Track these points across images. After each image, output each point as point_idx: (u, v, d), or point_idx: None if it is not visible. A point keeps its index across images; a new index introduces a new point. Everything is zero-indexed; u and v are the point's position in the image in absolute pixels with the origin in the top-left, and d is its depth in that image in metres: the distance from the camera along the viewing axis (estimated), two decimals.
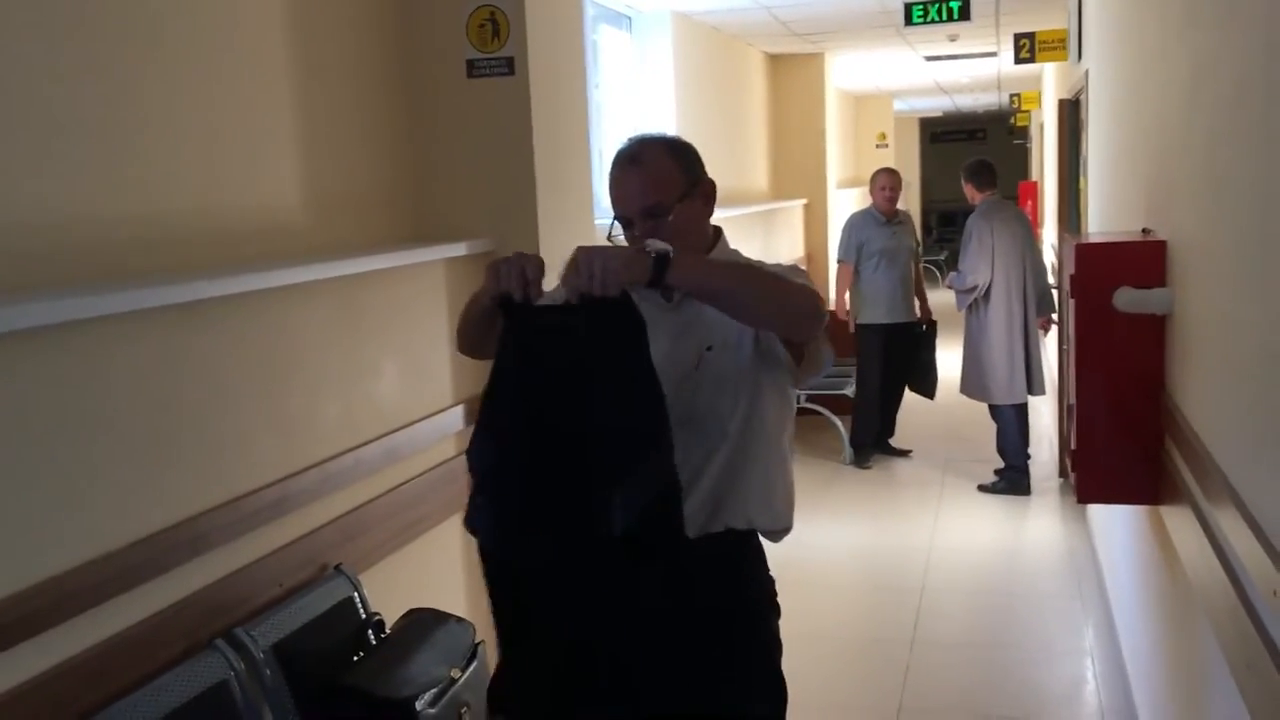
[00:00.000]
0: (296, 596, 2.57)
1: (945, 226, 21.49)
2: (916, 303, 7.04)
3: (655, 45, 7.00)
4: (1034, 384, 6.28)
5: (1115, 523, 4.03)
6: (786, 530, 2.19)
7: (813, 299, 1.98)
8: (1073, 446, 2.77)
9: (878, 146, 14.53)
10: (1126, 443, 2.61)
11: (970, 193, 6.48)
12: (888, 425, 7.23)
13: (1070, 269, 2.76)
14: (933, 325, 7.02)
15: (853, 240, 6.93)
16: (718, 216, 2.25)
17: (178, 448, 2.29)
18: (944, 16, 6.88)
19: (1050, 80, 10.35)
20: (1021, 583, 5.13)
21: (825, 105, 9.88)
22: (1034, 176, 13.97)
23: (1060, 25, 7.21)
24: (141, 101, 2.36)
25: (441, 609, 2.81)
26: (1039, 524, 5.92)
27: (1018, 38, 7.73)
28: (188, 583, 2.30)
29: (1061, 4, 6.75)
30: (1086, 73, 5.17)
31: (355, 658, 2.60)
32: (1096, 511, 5.11)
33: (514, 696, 2.06)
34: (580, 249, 1.82)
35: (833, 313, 6.94)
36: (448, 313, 3.35)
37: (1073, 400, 2.78)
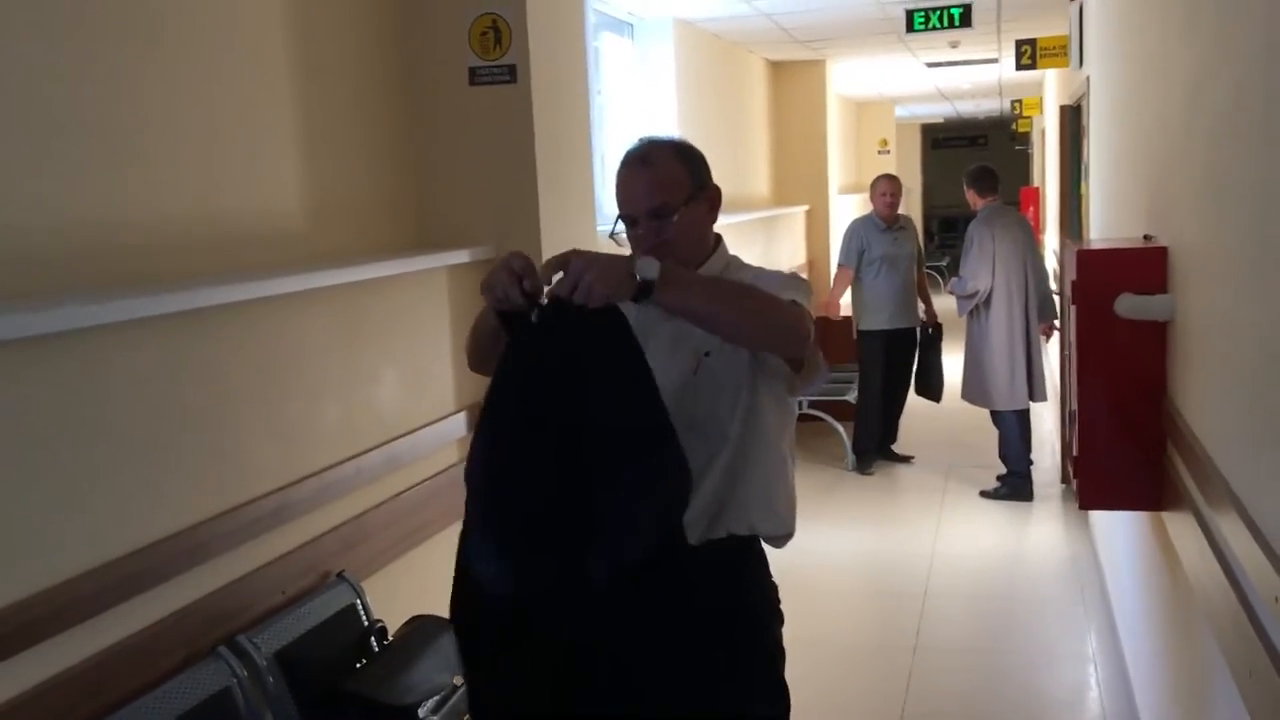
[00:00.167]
0: (299, 604, 2.57)
1: (947, 232, 21.49)
2: (921, 306, 7.04)
3: (657, 52, 7.01)
4: (1035, 390, 6.28)
5: (1117, 528, 4.03)
6: (789, 536, 2.19)
7: (798, 320, 1.96)
8: (1075, 452, 2.77)
9: (879, 153, 14.54)
10: (1128, 448, 2.61)
11: (972, 198, 6.48)
12: (890, 431, 7.23)
13: (1072, 275, 2.77)
14: (938, 328, 7.02)
15: (853, 246, 6.93)
16: (720, 222, 2.25)
17: (179, 455, 2.30)
18: (945, 23, 6.90)
19: (1051, 86, 10.37)
20: (1024, 588, 5.13)
21: (827, 111, 9.89)
22: (1035, 182, 13.98)
23: (1061, 32, 7.22)
24: (142, 106, 2.36)
25: (444, 616, 2.81)
26: (1041, 530, 5.92)
27: (1019, 44, 7.74)
28: (190, 590, 2.30)
29: (1063, 11, 6.76)
30: (1088, 79, 5.17)
31: (358, 665, 2.60)
32: (1098, 517, 5.11)
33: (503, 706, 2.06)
34: (574, 254, 1.82)
35: (824, 317, 6.95)
36: (450, 320, 3.35)
37: (1074, 406, 2.78)
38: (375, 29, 3.29)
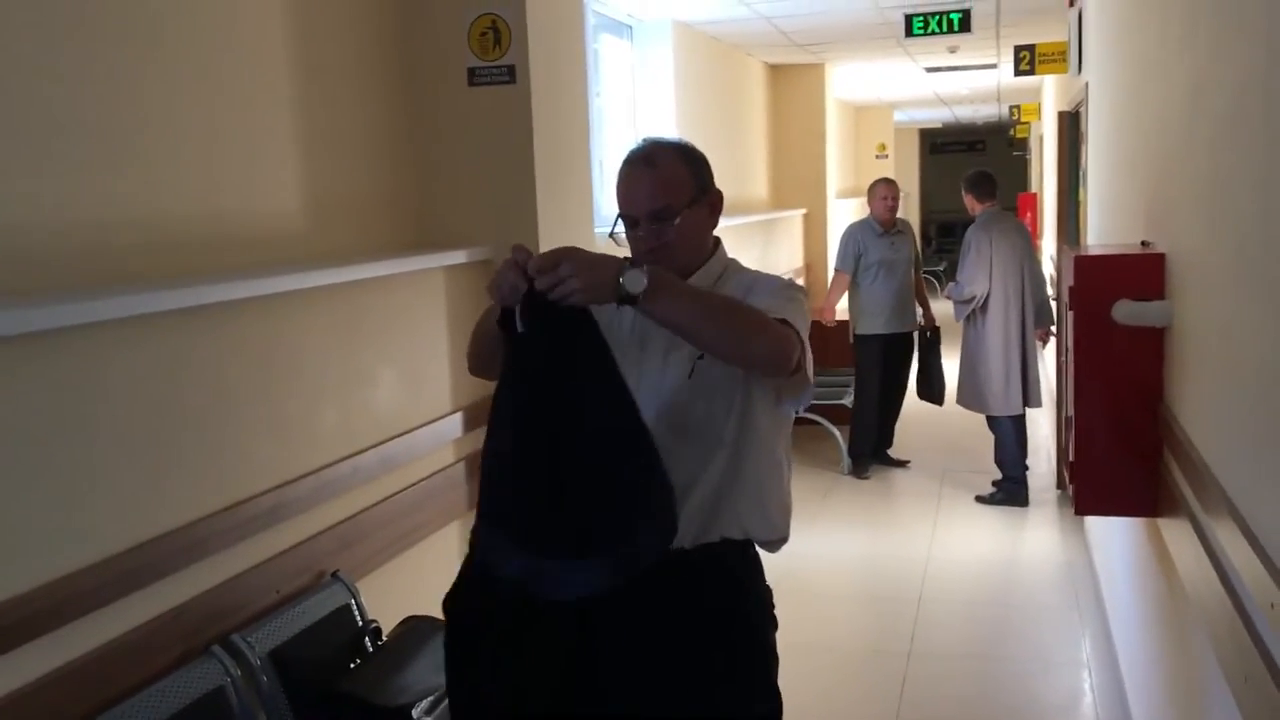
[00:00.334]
0: (294, 603, 2.57)
1: (944, 237, 21.51)
2: (919, 310, 7.04)
3: (656, 54, 7.02)
4: (1031, 396, 6.28)
5: (1113, 534, 4.03)
6: (783, 540, 2.19)
7: (783, 345, 1.93)
8: (1071, 458, 2.77)
9: (877, 157, 14.56)
10: (1125, 455, 2.61)
11: (970, 204, 6.48)
12: (886, 436, 7.23)
13: (1069, 281, 2.77)
14: (936, 331, 7.02)
15: (850, 250, 6.93)
16: (718, 225, 2.25)
17: (176, 453, 2.29)
18: (944, 28, 6.91)
19: (1050, 92, 10.38)
20: (1019, 594, 5.13)
21: (825, 115, 9.89)
22: (1033, 188, 13.99)
23: (1060, 38, 7.22)
24: (142, 106, 2.36)
25: (439, 617, 2.81)
26: (1037, 535, 5.92)
27: (1018, 50, 7.75)
28: (185, 588, 2.30)
29: (1062, 17, 6.77)
30: (1086, 85, 5.18)
31: (352, 665, 2.60)
32: (1094, 523, 5.11)
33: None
34: (566, 254, 1.82)
35: (817, 321, 6.96)
36: (447, 320, 3.35)
37: (1071, 412, 2.78)
38: (375, 29, 3.29)
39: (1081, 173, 5.54)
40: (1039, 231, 10.70)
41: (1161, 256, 2.56)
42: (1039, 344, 6.49)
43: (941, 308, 7.17)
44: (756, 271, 2.23)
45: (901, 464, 7.20)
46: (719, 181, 2.21)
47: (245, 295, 2.44)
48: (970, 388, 6.38)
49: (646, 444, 1.89)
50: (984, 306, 6.25)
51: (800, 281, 9.41)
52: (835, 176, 10.78)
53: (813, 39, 8.35)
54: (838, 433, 7.14)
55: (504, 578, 1.97)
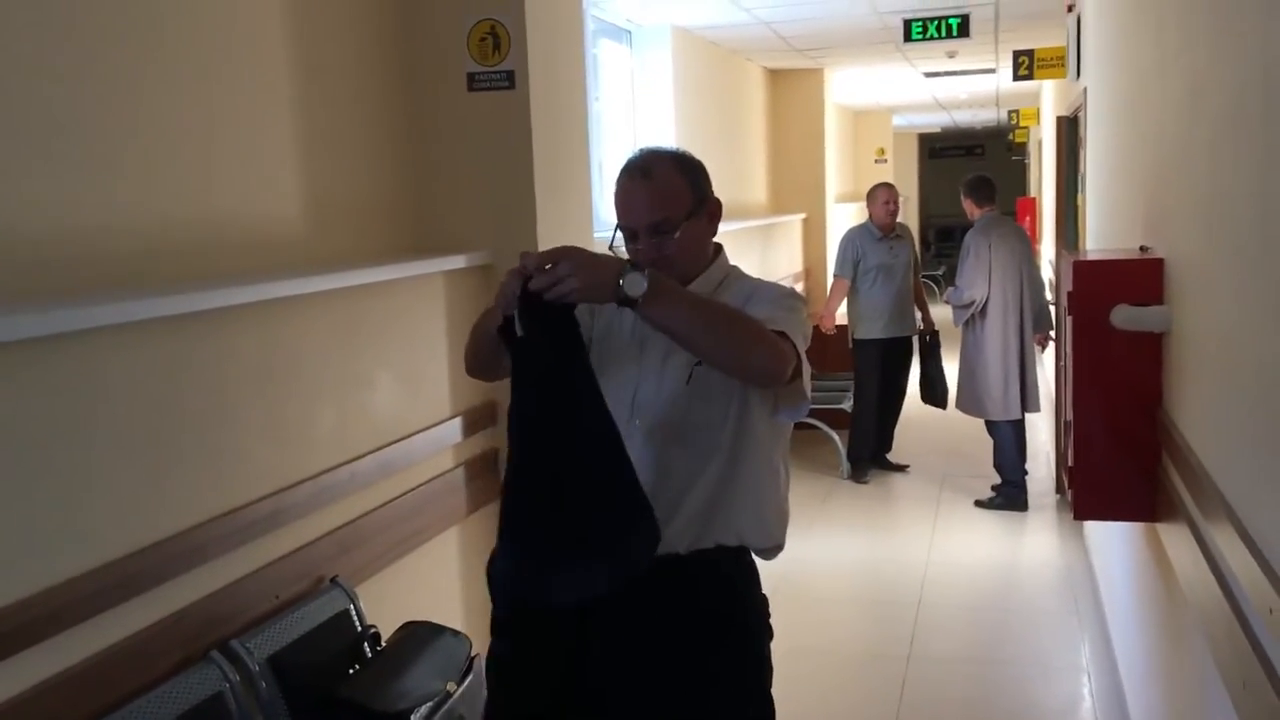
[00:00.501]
0: (293, 608, 2.56)
1: (943, 241, 21.52)
2: (918, 315, 7.05)
3: (655, 59, 7.02)
4: (1029, 401, 6.28)
5: (1112, 539, 4.03)
6: (778, 549, 2.18)
7: (777, 358, 1.92)
8: (1070, 463, 2.77)
9: (877, 162, 14.57)
10: (1123, 460, 2.61)
11: (969, 208, 6.49)
12: (885, 440, 7.23)
13: (1068, 286, 2.77)
14: (935, 335, 7.02)
15: (848, 256, 6.94)
16: (718, 231, 2.25)
17: (175, 459, 2.29)
18: (943, 33, 6.91)
19: (1049, 97, 10.39)
20: (1018, 599, 5.13)
21: (824, 120, 9.90)
22: (1032, 193, 14.00)
23: (1059, 43, 7.23)
24: (140, 110, 2.36)
25: (438, 622, 2.81)
26: (1036, 540, 5.92)
27: (1017, 55, 7.75)
28: (184, 594, 2.30)
29: (1060, 22, 6.77)
30: (1085, 90, 5.18)
31: (351, 670, 2.60)
32: (1093, 528, 5.11)
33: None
34: (566, 253, 1.82)
35: (816, 326, 6.96)
36: (446, 325, 3.35)
37: (1070, 417, 2.79)
38: (374, 33, 3.29)
39: (1080, 178, 5.55)
40: (1038, 236, 10.70)
41: (1160, 261, 2.56)
42: (1038, 349, 6.49)
43: (941, 312, 7.17)
44: (757, 279, 2.22)
45: (900, 468, 7.20)
46: (718, 187, 2.21)
47: (244, 301, 2.44)
48: (969, 393, 6.38)
49: (622, 449, 1.90)
50: (982, 311, 6.25)
51: (800, 286, 9.41)
52: (834, 181, 10.78)
53: (812, 44, 8.35)
54: (837, 437, 7.14)
55: (504, 581, 1.98)
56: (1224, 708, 1.80)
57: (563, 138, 3.65)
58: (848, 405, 7.16)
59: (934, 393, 6.98)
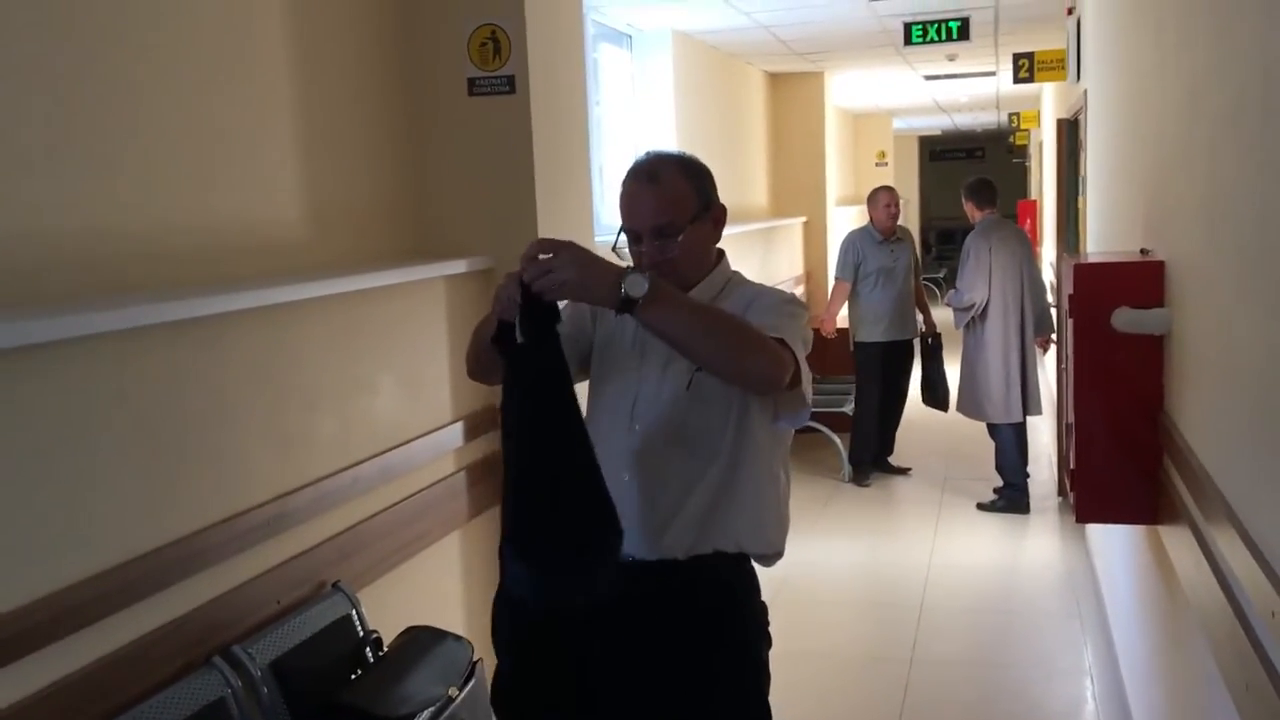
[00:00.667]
0: (294, 614, 2.56)
1: (944, 244, 21.53)
2: (920, 317, 7.05)
3: (655, 64, 7.03)
4: (1030, 404, 6.27)
5: (1114, 542, 4.03)
6: (778, 555, 2.18)
7: (775, 364, 1.92)
8: (1071, 466, 2.77)
9: (877, 165, 14.57)
10: (1125, 462, 2.61)
11: (970, 211, 6.49)
12: (886, 443, 7.23)
13: (1069, 289, 2.77)
14: (938, 338, 7.02)
15: (849, 259, 6.94)
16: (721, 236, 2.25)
17: (176, 464, 2.29)
18: (943, 36, 6.92)
19: (1049, 100, 10.39)
20: (1020, 601, 5.12)
21: (825, 123, 9.91)
22: (1033, 195, 14.00)
23: (1059, 45, 7.23)
24: (139, 115, 2.36)
25: (440, 627, 2.81)
26: (1038, 543, 5.91)
27: (1017, 57, 7.76)
28: (186, 600, 2.30)
29: (1060, 24, 6.78)
30: (1085, 92, 5.19)
31: (353, 676, 2.60)
32: (1095, 531, 5.11)
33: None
34: (568, 245, 1.82)
35: (816, 330, 6.96)
36: (447, 329, 3.35)
37: (1071, 420, 2.79)
38: (375, 38, 3.30)
39: (1081, 180, 5.55)
40: (1039, 239, 10.71)
41: (1161, 264, 2.56)
42: (1040, 351, 6.48)
43: (943, 315, 7.17)
44: (759, 285, 2.22)
45: (902, 471, 7.20)
46: (719, 191, 2.21)
47: (244, 306, 2.44)
48: (969, 396, 6.38)
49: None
50: (983, 314, 6.25)
51: (801, 290, 9.42)
52: (835, 184, 10.79)
53: (812, 47, 8.36)
54: (838, 440, 7.14)
55: (509, 588, 1.98)
56: (1226, 710, 1.80)
57: (563, 142, 3.66)
58: (849, 408, 7.16)
59: (935, 395, 6.98)
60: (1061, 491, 6.45)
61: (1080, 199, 5.55)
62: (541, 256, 1.81)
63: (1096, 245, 4.66)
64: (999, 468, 6.40)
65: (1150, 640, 3.12)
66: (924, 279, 7.57)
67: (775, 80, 9.74)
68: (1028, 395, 6.25)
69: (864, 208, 7.22)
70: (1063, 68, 6.99)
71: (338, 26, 3.12)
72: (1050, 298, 6.68)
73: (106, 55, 2.28)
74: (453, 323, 3.35)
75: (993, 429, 6.38)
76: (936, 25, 6.89)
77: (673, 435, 2.08)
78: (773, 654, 2.21)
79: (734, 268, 2.26)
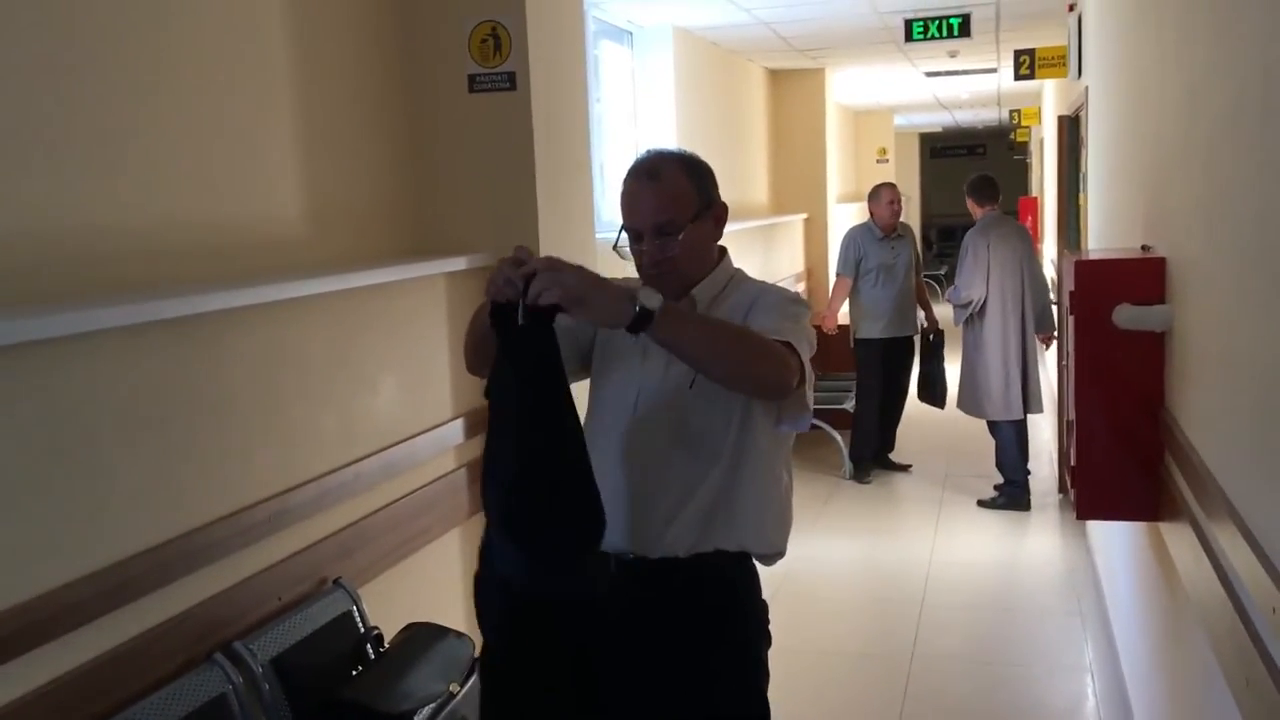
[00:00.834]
0: (295, 610, 2.57)
1: (945, 241, 21.52)
2: (921, 314, 7.04)
3: (656, 60, 7.02)
4: (1031, 402, 6.27)
5: (1115, 539, 4.03)
6: (779, 555, 2.18)
7: (782, 370, 1.92)
8: (1072, 462, 2.77)
9: (878, 161, 14.56)
10: (1126, 459, 2.61)
11: (972, 207, 6.49)
12: (887, 440, 7.23)
13: (1070, 285, 2.77)
14: (940, 334, 7.02)
15: (850, 255, 6.94)
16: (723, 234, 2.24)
17: (177, 461, 2.29)
18: (944, 33, 6.91)
19: (1050, 97, 10.39)
20: (1021, 598, 5.13)
21: (825, 120, 9.90)
22: (1034, 192, 14.00)
23: (1060, 42, 7.23)
24: (142, 114, 2.36)
25: (441, 623, 2.81)
26: (1038, 539, 5.92)
27: (1018, 54, 7.75)
28: (187, 596, 2.30)
29: (1061, 21, 6.77)
30: (1086, 89, 5.18)
31: (354, 672, 2.60)
32: (1096, 527, 5.11)
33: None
34: (580, 272, 1.83)
35: (817, 327, 6.95)
36: (448, 326, 3.35)
37: (1072, 416, 2.78)
38: (375, 35, 3.29)
39: (1082, 177, 5.55)
40: (1039, 236, 10.70)
41: (1162, 260, 2.56)
42: (1042, 347, 6.47)
43: (944, 312, 7.17)
44: (761, 283, 2.22)
45: (903, 468, 7.20)
46: (720, 188, 2.21)
47: (245, 303, 2.44)
48: (969, 393, 6.38)
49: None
50: (981, 311, 6.25)
51: (801, 287, 9.42)
52: (836, 181, 10.78)
53: (813, 44, 8.35)
54: (839, 437, 7.14)
55: (502, 579, 1.98)
56: (1227, 705, 1.80)
57: (564, 139, 3.66)
58: (850, 405, 7.16)
59: (933, 392, 6.98)
60: (1062, 488, 6.45)
61: (1081, 196, 5.55)
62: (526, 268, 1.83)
63: (1098, 242, 4.65)
64: (999, 465, 6.40)
65: (1151, 636, 3.12)
66: (925, 276, 7.57)
67: (776, 77, 9.73)
68: (1029, 393, 6.24)
69: (865, 204, 7.22)
70: (1064, 64, 6.99)
71: (338, 23, 3.12)
72: (1052, 294, 6.68)
73: (107, 54, 2.28)
74: (453, 320, 3.35)
75: (993, 426, 6.38)
76: (937, 22, 6.89)
77: (675, 435, 2.08)
78: (773, 650, 2.21)
79: (735, 265, 2.26)
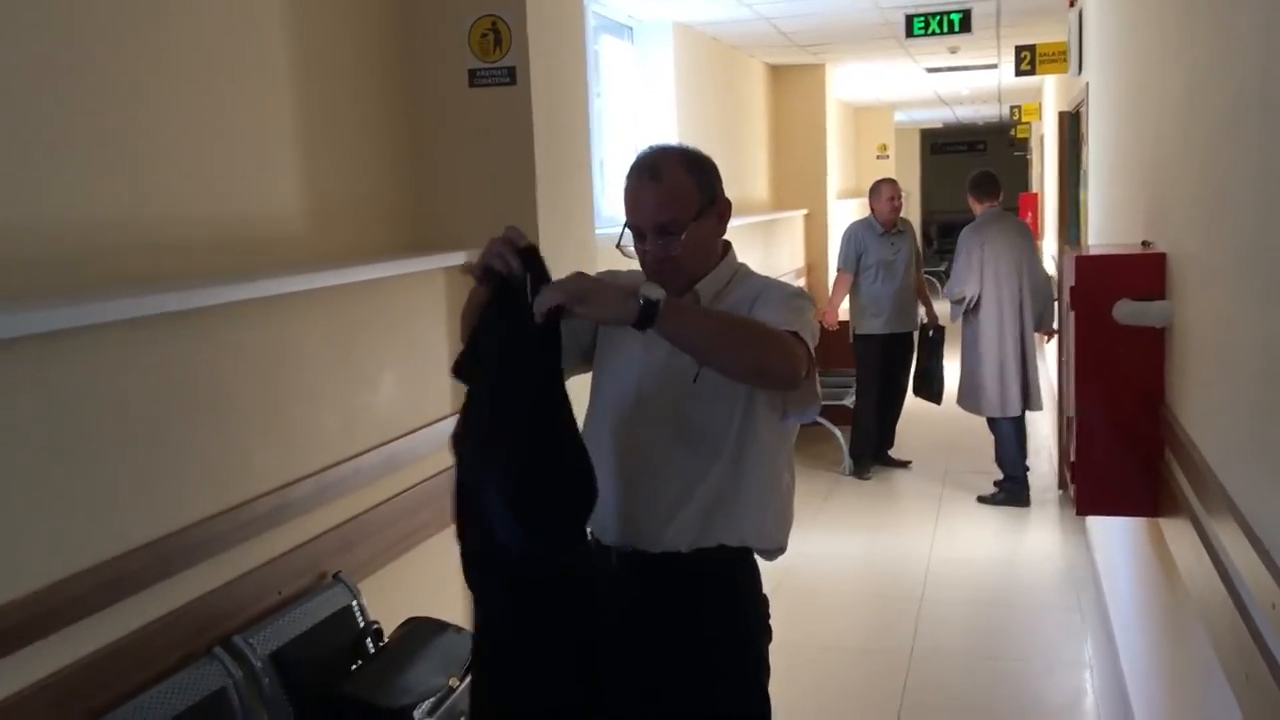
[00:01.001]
0: (295, 604, 2.57)
1: (945, 238, 21.46)
2: (922, 309, 7.04)
3: (656, 55, 7.02)
4: (1032, 399, 6.26)
5: (1114, 534, 4.03)
6: (780, 550, 2.18)
7: (791, 361, 1.92)
8: (1072, 458, 2.77)
9: (878, 157, 14.55)
10: (1126, 455, 2.61)
11: (972, 204, 6.48)
12: (887, 436, 7.23)
13: (1070, 281, 2.77)
14: (941, 331, 7.01)
15: (851, 250, 6.93)
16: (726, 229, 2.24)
17: (177, 454, 2.30)
18: (945, 28, 6.90)
19: (1050, 92, 10.38)
20: (1021, 594, 5.13)
21: (826, 116, 9.89)
22: (1035, 188, 13.99)
23: (1061, 38, 7.22)
24: (142, 108, 2.36)
25: (440, 617, 2.81)
26: (1038, 535, 5.92)
27: (1018, 50, 7.75)
28: (187, 590, 2.30)
29: (1062, 17, 6.77)
30: (1087, 85, 5.18)
31: (354, 666, 2.60)
32: (1096, 523, 5.11)
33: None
34: (580, 276, 1.84)
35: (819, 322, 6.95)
36: (447, 321, 3.35)
37: (1072, 412, 2.78)
38: (375, 30, 3.29)
39: (1082, 173, 5.54)
40: (1040, 232, 10.69)
41: (1162, 256, 2.56)
42: (1043, 340, 6.45)
43: (945, 308, 7.17)
44: (765, 278, 2.21)
45: (903, 464, 7.20)
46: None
47: (245, 297, 2.44)
48: (966, 389, 6.38)
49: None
50: (976, 308, 6.24)
51: (802, 282, 9.41)
52: (836, 177, 10.78)
53: (813, 39, 8.34)
54: (839, 433, 7.14)
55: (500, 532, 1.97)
56: (1226, 701, 1.80)
57: (564, 134, 3.65)
58: (849, 401, 7.16)
59: (930, 388, 6.97)
60: (1062, 484, 6.45)
61: (1082, 191, 5.54)
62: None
63: (1098, 237, 4.65)
64: (999, 461, 6.40)
65: (1150, 632, 3.12)
66: (925, 272, 7.56)
67: (776, 72, 9.72)
68: (1029, 391, 6.23)
69: (865, 200, 7.21)
70: (1064, 60, 6.98)
71: (338, 18, 3.11)
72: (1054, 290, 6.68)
73: (107, 53, 2.28)
74: (453, 315, 3.35)
75: (992, 422, 6.38)
76: (938, 17, 6.88)
77: (677, 430, 2.07)
78: (773, 645, 2.21)
79: (742, 262, 2.26)
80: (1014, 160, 19.15)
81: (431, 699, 2.52)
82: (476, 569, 2.06)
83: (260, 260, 2.73)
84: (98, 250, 2.24)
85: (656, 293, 1.81)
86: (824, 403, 7.06)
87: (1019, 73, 7.88)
